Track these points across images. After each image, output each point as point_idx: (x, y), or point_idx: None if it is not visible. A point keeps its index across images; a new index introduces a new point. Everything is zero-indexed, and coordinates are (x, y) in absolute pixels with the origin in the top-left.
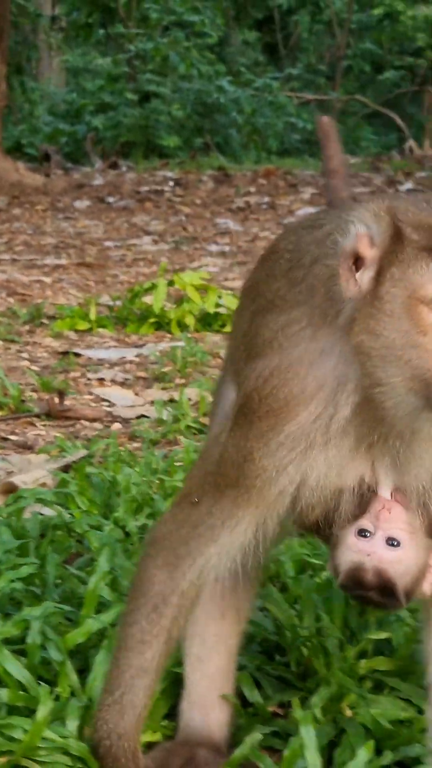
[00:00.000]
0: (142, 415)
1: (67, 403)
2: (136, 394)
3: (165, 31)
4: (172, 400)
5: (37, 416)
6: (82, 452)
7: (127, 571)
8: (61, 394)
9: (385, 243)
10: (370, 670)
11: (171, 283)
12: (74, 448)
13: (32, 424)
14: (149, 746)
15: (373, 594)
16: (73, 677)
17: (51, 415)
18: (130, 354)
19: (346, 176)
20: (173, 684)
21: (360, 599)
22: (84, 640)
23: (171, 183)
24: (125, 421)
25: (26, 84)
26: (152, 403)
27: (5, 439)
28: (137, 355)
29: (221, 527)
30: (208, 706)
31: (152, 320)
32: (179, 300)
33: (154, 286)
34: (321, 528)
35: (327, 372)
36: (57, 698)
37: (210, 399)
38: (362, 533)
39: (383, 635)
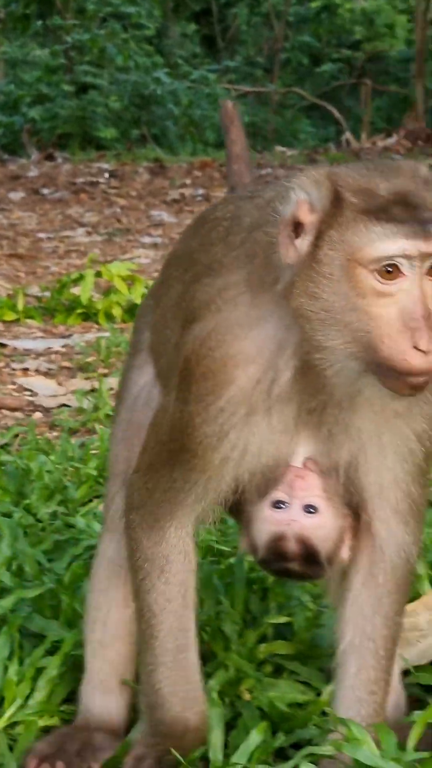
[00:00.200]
0: (64, 405)
1: None
2: (59, 384)
3: (103, 22)
4: (93, 390)
5: None
6: None
7: (29, 557)
8: None
9: (325, 208)
10: (270, 654)
11: (99, 275)
12: None
13: None
14: (46, 731)
15: (295, 564)
16: None
17: None
18: (56, 344)
19: (248, 161)
20: (72, 668)
21: (282, 573)
22: None
23: (107, 175)
24: (46, 411)
25: None
26: (74, 392)
27: None
28: (63, 346)
29: (186, 491)
30: (108, 690)
31: (80, 311)
32: (107, 291)
33: (81, 277)
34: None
35: (266, 336)
36: None
37: None
38: (277, 505)
39: (283, 619)
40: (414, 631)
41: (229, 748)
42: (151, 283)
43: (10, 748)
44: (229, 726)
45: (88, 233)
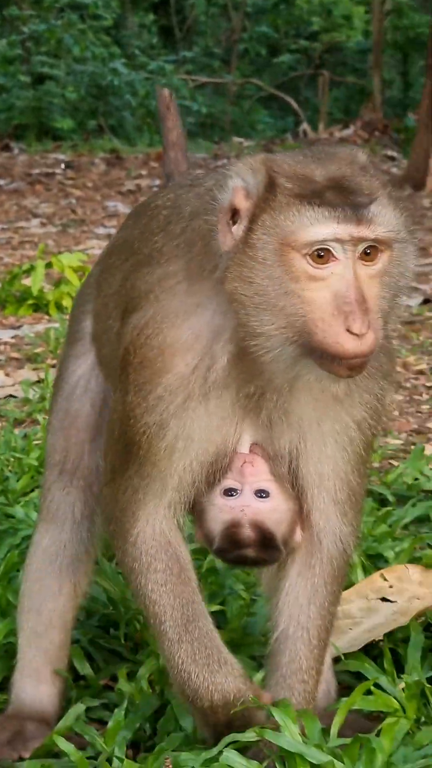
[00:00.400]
0: (10, 395)
1: None
2: (7, 375)
3: (60, 13)
4: (40, 381)
5: None
6: None
7: None
8: None
9: (260, 193)
10: None
11: (50, 266)
12: None
13: None
14: None
15: (251, 550)
16: None
17: None
18: (6, 335)
19: (185, 149)
20: (4, 657)
21: (238, 561)
22: None
23: (63, 165)
24: None
25: None
26: (21, 383)
27: None
28: (13, 337)
29: (143, 489)
30: (40, 679)
31: (30, 302)
32: (58, 282)
33: (32, 268)
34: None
35: (203, 324)
36: None
37: None
38: (229, 492)
39: (215, 608)
40: (346, 619)
41: (158, 736)
42: None
43: None
44: (158, 714)
45: (43, 224)
